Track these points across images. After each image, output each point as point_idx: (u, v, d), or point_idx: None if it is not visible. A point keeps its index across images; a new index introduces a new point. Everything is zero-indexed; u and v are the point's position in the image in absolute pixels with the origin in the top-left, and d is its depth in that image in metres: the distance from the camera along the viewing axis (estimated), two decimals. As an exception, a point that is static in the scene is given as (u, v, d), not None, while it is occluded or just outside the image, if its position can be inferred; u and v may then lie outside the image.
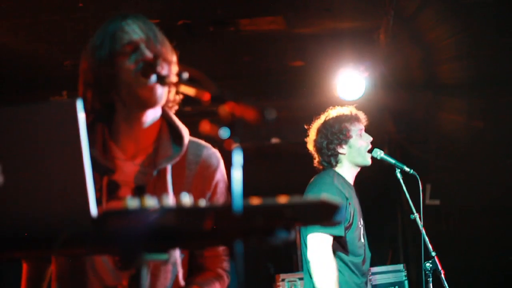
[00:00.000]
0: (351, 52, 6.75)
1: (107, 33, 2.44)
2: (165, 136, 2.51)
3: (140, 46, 2.39)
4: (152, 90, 2.34)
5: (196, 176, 2.53)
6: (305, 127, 4.93)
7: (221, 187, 2.60)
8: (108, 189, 2.40)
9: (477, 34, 6.47)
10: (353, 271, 4.57)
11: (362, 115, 4.86)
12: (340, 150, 4.70)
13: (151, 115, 2.47)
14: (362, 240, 4.66)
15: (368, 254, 4.71)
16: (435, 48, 6.83)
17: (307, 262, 4.60)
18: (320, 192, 4.50)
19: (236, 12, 5.94)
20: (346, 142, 4.71)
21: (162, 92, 2.38)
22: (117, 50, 2.39)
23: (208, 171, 2.56)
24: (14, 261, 2.27)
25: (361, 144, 4.71)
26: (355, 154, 4.72)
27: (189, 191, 2.42)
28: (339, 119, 4.77)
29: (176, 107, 2.59)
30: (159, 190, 2.41)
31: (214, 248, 2.64)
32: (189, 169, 2.52)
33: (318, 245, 4.51)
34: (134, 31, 2.43)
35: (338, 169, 4.73)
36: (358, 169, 4.80)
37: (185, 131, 2.55)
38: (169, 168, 2.46)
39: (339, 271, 4.47)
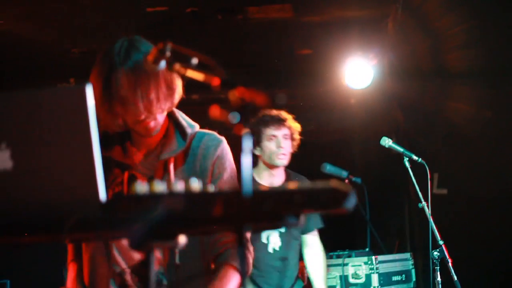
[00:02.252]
0: (359, 40, 6.73)
1: (104, 77, 2.48)
2: (171, 132, 2.71)
3: (137, 95, 2.46)
4: (147, 129, 2.57)
5: (198, 157, 2.69)
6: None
7: (224, 163, 2.73)
8: (128, 182, 2.62)
9: (486, 22, 6.44)
10: None
11: (280, 119, 5.00)
12: (255, 151, 5.10)
13: (157, 125, 2.62)
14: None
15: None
16: (444, 37, 6.79)
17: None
18: None
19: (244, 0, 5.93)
20: (258, 144, 5.05)
21: (157, 125, 2.59)
22: (114, 96, 2.46)
23: (208, 150, 2.71)
24: (22, 246, 2.29)
25: (270, 148, 4.98)
26: (264, 156, 5.04)
27: (192, 174, 2.64)
28: (256, 122, 5.04)
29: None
30: (163, 178, 2.62)
31: (227, 235, 2.70)
32: (191, 157, 2.69)
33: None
34: (129, 84, 2.46)
35: (255, 169, 5.09)
36: (274, 169, 5.06)
37: (190, 128, 2.73)
38: (173, 159, 2.65)
39: None
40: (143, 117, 2.50)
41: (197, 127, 2.76)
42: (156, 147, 2.69)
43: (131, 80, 2.44)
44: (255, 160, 5.05)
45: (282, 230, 5.00)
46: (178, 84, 2.55)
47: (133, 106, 2.45)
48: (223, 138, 2.78)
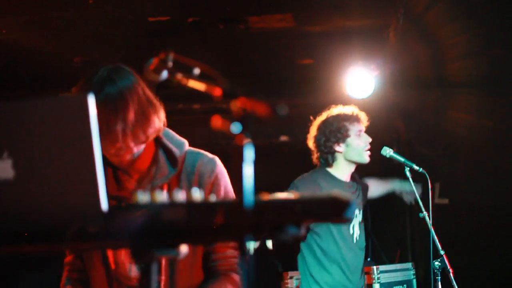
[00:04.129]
0: (361, 50, 6.73)
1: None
2: (161, 158, 2.66)
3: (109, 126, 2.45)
4: (120, 160, 2.56)
5: (194, 185, 2.63)
6: (310, 123, 4.98)
7: (220, 185, 2.68)
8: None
9: (487, 32, 6.44)
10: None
11: (363, 116, 4.89)
12: (337, 148, 4.77)
13: (132, 157, 2.59)
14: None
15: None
16: (445, 46, 6.80)
17: (303, 259, 4.73)
18: (294, 183, 4.72)
19: (246, 9, 5.93)
20: (343, 140, 4.77)
21: (132, 155, 2.55)
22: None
23: (203, 179, 2.65)
24: (24, 255, 2.29)
25: (359, 144, 4.76)
26: (352, 153, 4.80)
27: None
28: (339, 118, 4.82)
29: (164, 127, 2.67)
30: None
31: (225, 250, 2.69)
32: (187, 180, 2.64)
33: None
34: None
35: (333, 167, 4.80)
36: (354, 165, 4.86)
37: (179, 149, 2.68)
38: (166, 185, 2.63)
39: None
40: (112, 151, 2.49)
41: (186, 145, 2.72)
42: (148, 172, 2.66)
43: (98, 113, 2.45)
44: (333, 157, 4.87)
45: (360, 218, 4.89)
46: (155, 112, 2.53)
47: (102, 140, 2.45)
48: (216, 159, 2.72)
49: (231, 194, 2.69)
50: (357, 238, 4.85)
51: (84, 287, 2.78)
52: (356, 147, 4.77)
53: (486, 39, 6.60)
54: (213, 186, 2.65)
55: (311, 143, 4.95)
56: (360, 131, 4.81)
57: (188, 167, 2.66)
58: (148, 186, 2.62)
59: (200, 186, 2.63)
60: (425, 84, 7.74)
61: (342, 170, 4.83)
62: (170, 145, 2.67)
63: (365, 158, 4.81)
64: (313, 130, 4.94)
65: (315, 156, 4.93)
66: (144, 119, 2.48)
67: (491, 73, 7.40)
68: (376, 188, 5.36)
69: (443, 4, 5.82)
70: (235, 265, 2.69)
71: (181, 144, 2.70)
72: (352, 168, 4.87)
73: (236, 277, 2.67)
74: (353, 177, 4.96)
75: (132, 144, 2.50)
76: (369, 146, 4.82)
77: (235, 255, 2.69)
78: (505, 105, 7.68)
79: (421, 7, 5.97)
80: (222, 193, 2.67)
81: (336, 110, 4.91)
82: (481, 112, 7.71)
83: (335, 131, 4.77)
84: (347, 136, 4.79)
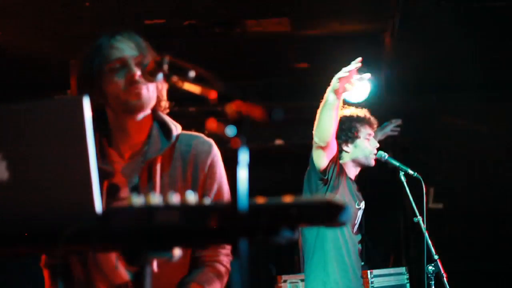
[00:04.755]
0: (356, 54, 6.74)
1: (97, 49, 2.54)
2: (155, 133, 2.61)
3: (129, 62, 2.49)
4: (138, 94, 2.46)
5: (189, 164, 2.60)
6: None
7: (215, 172, 2.64)
8: (108, 192, 2.50)
9: (483, 38, 6.46)
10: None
11: (374, 121, 4.89)
12: (345, 148, 4.75)
13: (142, 117, 2.56)
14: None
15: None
16: (441, 52, 6.82)
17: (309, 262, 4.64)
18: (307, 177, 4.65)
19: (242, 13, 5.94)
20: (352, 141, 4.76)
21: (148, 96, 2.50)
22: (105, 66, 2.49)
23: (200, 157, 2.61)
24: (18, 257, 2.28)
25: (367, 147, 4.75)
26: (359, 155, 4.76)
27: (183, 180, 2.56)
28: (351, 118, 4.82)
29: (167, 111, 2.67)
30: (149, 181, 2.52)
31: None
32: (181, 159, 2.60)
33: None
34: (123, 48, 2.52)
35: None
36: (359, 169, 4.84)
37: (175, 126, 2.64)
38: (159, 160, 2.55)
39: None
40: (137, 76, 2.45)
41: (180, 127, 2.67)
42: (141, 149, 2.59)
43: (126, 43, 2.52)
44: (340, 156, 4.74)
45: (363, 206, 4.83)
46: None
47: (128, 68, 2.47)
48: (212, 142, 2.68)
49: (225, 180, 2.66)
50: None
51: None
52: (364, 149, 4.76)
53: (482, 45, 6.62)
54: (209, 168, 2.61)
55: None
56: (369, 134, 4.81)
57: (183, 146, 2.62)
58: (140, 159, 2.56)
59: (195, 165, 2.59)
60: (421, 88, 7.76)
61: (348, 170, 4.81)
62: (167, 120, 2.64)
63: (371, 161, 4.81)
64: None
65: None
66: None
67: (486, 79, 7.42)
68: None
69: (439, 9, 5.83)
70: (222, 257, 2.66)
71: (176, 124, 2.66)
72: (357, 170, 4.85)
73: (222, 268, 2.63)
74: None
75: (154, 92, 2.52)
76: (375, 151, 4.82)
77: (222, 247, 2.67)
78: (500, 111, 7.71)
79: (417, 12, 5.98)
80: (217, 176, 2.63)
81: (348, 111, 4.90)
82: (476, 117, 7.74)
83: (346, 130, 4.76)
84: (357, 137, 4.78)
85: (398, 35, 6.25)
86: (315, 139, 4.44)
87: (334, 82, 4.45)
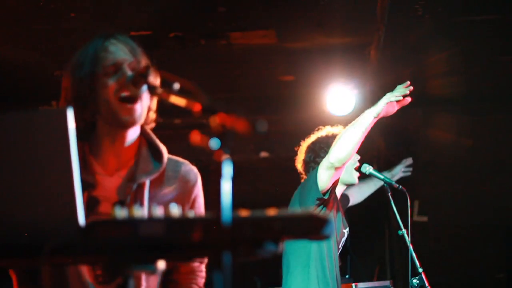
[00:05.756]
0: (342, 67, 6.76)
1: (89, 52, 2.48)
2: (145, 152, 2.55)
3: (123, 66, 2.44)
4: (131, 111, 2.40)
5: (175, 191, 2.56)
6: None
7: (199, 202, 2.64)
8: (88, 204, 2.39)
9: (467, 51, 6.50)
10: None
11: None
12: None
13: (132, 133, 2.51)
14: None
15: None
16: (426, 65, 6.85)
17: (288, 273, 4.65)
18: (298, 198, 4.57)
19: (228, 25, 5.95)
20: None
21: (141, 112, 2.44)
22: (99, 70, 2.43)
23: (187, 186, 2.59)
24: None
25: (347, 165, 4.71)
26: (346, 173, 4.72)
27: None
28: (328, 136, 4.80)
29: (153, 125, 2.62)
30: (135, 202, 2.45)
31: (189, 263, 2.64)
32: (168, 184, 2.55)
33: None
34: (117, 51, 2.47)
35: None
36: (344, 187, 4.83)
37: (163, 148, 2.59)
38: (147, 182, 2.49)
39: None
40: (126, 93, 2.38)
41: (165, 150, 2.61)
42: (127, 164, 2.52)
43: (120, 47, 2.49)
44: None
45: (347, 232, 4.78)
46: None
47: (121, 72, 2.41)
48: (197, 170, 2.66)
49: (203, 208, 2.64)
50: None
51: None
52: (346, 167, 4.70)
53: (466, 58, 6.65)
54: (194, 199, 2.60)
55: (299, 166, 4.89)
56: None
57: (170, 171, 2.57)
58: (126, 176, 2.49)
59: (182, 193, 2.56)
60: (406, 102, 7.78)
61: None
62: (153, 138, 2.59)
63: (355, 178, 4.79)
64: (301, 152, 4.90)
65: (304, 177, 4.84)
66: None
67: (471, 92, 7.46)
68: (361, 193, 5.39)
69: (424, 23, 5.86)
70: (199, 280, 2.65)
71: (163, 146, 2.61)
72: (341, 189, 4.83)
73: None
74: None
75: (145, 109, 2.47)
76: (358, 164, 4.81)
77: (200, 269, 2.66)
78: (485, 124, 7.75)
79: (402, 26, 6.01)
80: (199, 205, 2.62)
81: (325, 130, 4.89)
82: (461, 130, 7.77)
83: (324, 148, 4.72)
84: None
85: (383, 48, 6.28)
86: (332, 159, 4.28)
87: (382, 104, 4.36)
